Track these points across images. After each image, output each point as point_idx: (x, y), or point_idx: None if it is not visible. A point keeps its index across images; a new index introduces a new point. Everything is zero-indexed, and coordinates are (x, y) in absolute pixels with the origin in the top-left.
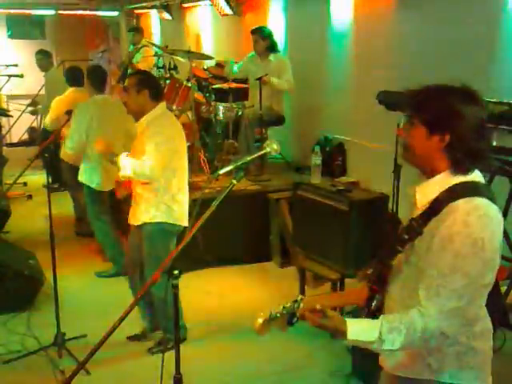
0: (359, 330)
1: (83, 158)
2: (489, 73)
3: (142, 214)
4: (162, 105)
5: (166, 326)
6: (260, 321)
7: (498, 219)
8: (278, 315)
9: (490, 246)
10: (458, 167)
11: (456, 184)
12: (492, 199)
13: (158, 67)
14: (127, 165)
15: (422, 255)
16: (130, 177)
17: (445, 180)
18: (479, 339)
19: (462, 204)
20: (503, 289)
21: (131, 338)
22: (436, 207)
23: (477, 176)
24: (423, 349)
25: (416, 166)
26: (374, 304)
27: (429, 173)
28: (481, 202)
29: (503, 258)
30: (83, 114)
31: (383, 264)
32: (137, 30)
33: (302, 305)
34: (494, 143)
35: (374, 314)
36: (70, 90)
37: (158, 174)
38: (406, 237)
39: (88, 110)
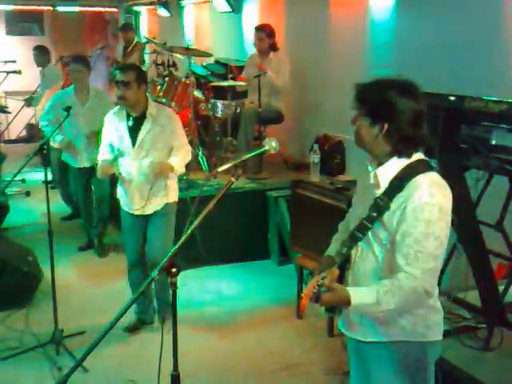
0: (360, 294)
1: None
2: (488, 71)
3: (164, 196)
4: (150, 96)
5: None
6: (305, 302)
7: (449, 189)
8: (315, 293)
9: (448, 211)
10: (399, 152)
11: (410, 163)
12: (439, 172)
13: (157, 64)
14: (180, 165)
15: (393, 229)
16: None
17: (398, 162)
18: (436, 299)
19: (422, 178)
20: (501, 288)
21: (128, 330)
22: (398, 185)
23: (422, 155)
24: (404, 310)
25: (365, 150)
26: (344, 282)
27: (377, 156)
28: (435, 175)
29: (502, 257)
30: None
31: (355, 241)
32: (127, 28)
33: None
34: (494, 142)
35: None
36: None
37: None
38: (375, 214)
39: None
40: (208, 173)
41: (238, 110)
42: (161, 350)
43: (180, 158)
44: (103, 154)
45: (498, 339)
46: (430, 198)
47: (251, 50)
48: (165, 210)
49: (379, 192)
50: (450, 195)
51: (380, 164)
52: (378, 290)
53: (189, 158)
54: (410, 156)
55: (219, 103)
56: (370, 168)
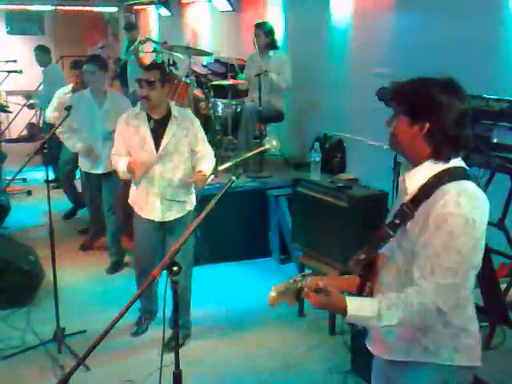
0: (359, 306)
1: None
2: (489, 69)
3: (185, 204)
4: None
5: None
6: (273, 294)
7: (485, 201)
8: (289, 289)
9: (479, 226)
10: (438, 154)
11: (444, 169)
12: (476, 182)
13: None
14: (208, 171)
15: (415, 239)
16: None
17: (432, 167)
18: (471, 321)
19: (452, 187)
20: (503, 286)
21: (134, 334)
22: (426, 191)
23: (461, 162)
24: (419, 327)
25: (401, 152)
26: (364, 292)
27: (412, 159)
28: (468, 184)
29: (504, 255)
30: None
31: (375, 249)
32: (131, 27)
33: (308, 280)
34: (495, 140)
35: None
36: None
37: None
38: (398, 221)
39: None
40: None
41: (239, 109)
42: (162, 350)
43: (211, 165)
44: (120, 156)
45: (500, 338)
46: (455, 209)
47: (251, 48)
48: (187, 217)
49: (406, 198)
50: (485, 209)
51: (413, 167)
52: (380, 302)
53: (214, 161)
54: (448, 160)
55: (219, 102)
56: (401, 172)
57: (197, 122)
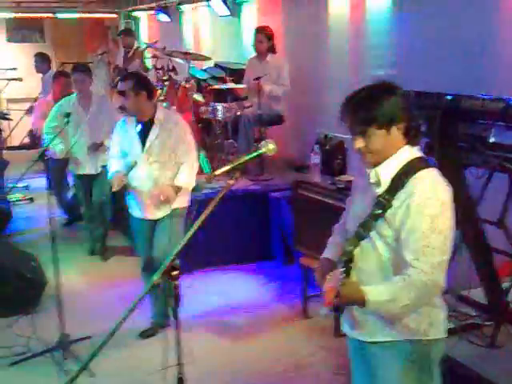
0: (374, 291)
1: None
2: (485, 70)
3: (174, 203)
4: (159, 103)
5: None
6: (331, 294)
7: (448, 184)
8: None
9: (451, 206)
10: (414, 140)
11: (411, 160)
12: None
13: (157, 69)
14: (188, 182)
15: (396, 226)
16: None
17: (400, 156)
18: (439, 297)
19: (424, 174)
20: (505, 285)
21: (143, 335)
22: (400, 181)
23: (420, 152)
24: (420, 306)
25: (383, 160)
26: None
27: (388, 157)
28: (435, 171)
29: (506, 254)
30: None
31: (360, 238)
32: (126, 33)
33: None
34: (492, 140)
35: None
36: None
37: None
38: (379, 211)
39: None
40: (208, 175)
41: (238, 113)
42: (165, 354)
43: (187, 173)
44: (115, 163)
45: (505, 336)
46: (432, 194)
47: (250, 53)
48: (176, 212)
49: (381, 190)
50: (450, 190)
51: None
52: (391, 286)
53: (196, 166)
54: (419, 142)
55: (219, 106)
56: (367, 168)
57: (181, 125)
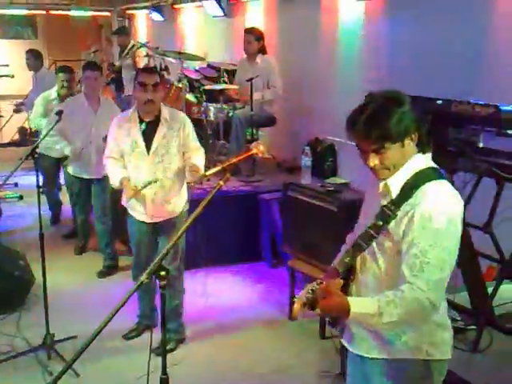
0: (360, 304)
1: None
2: (476, 75)
3: (176, 206)
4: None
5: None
6: (298, 306)
7: (459, 198)
8: (310, 296)
9: (459, 221)
10: (425, 147)
11: (421, 170)
12: (449, 181)
13: None
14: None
15: (399, 238)
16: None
17: (410, 165)
18: (445, 315)
19: (432, 186)
20: (490, 289)
21: (126, 336)
22: (406, 192)
23: (432, 162)
24: (410, 323)
25: (393, 171)
26: (348, 293)
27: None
28: (445, 183)
29: (491, 259)
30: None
31: (359, 250)
32: (122, 32)
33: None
34: (481, 145)
35: None
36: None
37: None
38: (381, 223)
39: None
40: (199, 176)
41: (231, 114)
42: (149, 353)
43: (202, 161)
44: (117, 165)
45: (488, 341)
46: (438, 207)
47: (243, 53)
48: (178, 219)
49: (387, 200)
50: (461, 205)
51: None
52: (379, 300)
53: (204, 160)
54: (429, 150)
55: (211, 107)
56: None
57: (188, 123)
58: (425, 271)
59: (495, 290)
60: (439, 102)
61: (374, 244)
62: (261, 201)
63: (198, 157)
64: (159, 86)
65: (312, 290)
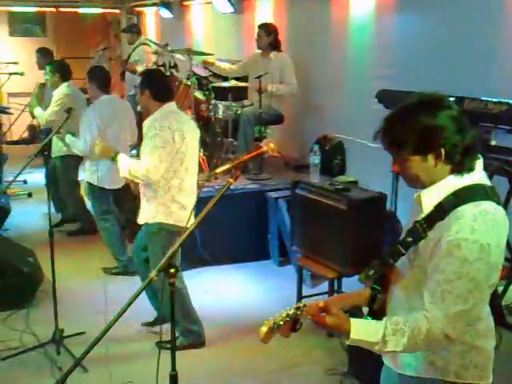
0: (363, 329)
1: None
2: (488, 72)
3: (144, 213)
4: (169, 105)
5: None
6: (264, 329)
7: (505, 222)
8: (282, 323)
9: (496, 251)
10: (461, 168)
11: (461, 188)
12: (498, 201)
13: (159, 66)
14: (124, 165)
15: (426, 260)
16: (126, 177)
17: (449, 183)
18: (482, 338)
19: (468, 209)
20: (500, 289)
21: (145, 324)
22: (441, 211)
23: (483, 178)
24: (426, 351)
25: (424, 186)
26: (375, 305)
27: (435, 183)
28: (487, 206)
29: None
30: (93, 113)
31: (386, 265)
32: (131, 30)
33: (304, 310)
34: (493, 143)
35: (375, 315)
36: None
37: (154, 176)
38: (410, 239)
39: (97, 109)
40: (208, 174)
41: (239, 111)
42: (159, 351)
43: (132, 164)
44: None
45: (497, 340)
46: (469, 234)
47: (253, 50)
48: (146, 228)
49: (421, 216)
50: (504, 230)
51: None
52: (386, 327)
53: (140, 172)
54: (473, 168)
55: (220, 104)
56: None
57: (154, 128)
58: (445, 301)
59: (505, 288)
60: (451, 99)
61: (405, 259)
62: (269, 199)
63: (135, 160)
64: (138, 88)
65: (287, 314)
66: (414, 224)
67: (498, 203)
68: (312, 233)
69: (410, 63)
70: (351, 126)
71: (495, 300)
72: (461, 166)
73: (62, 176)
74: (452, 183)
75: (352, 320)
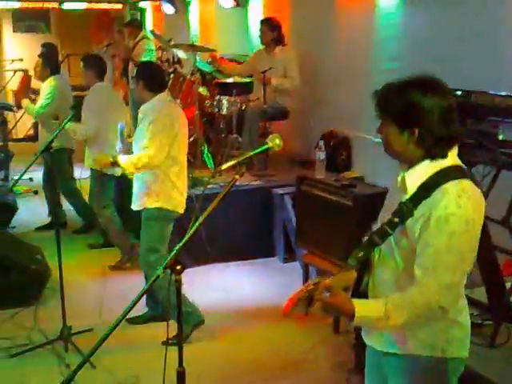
0: (366, 307)
1: (91, 142)
2: (496, 66)
3: (143, 198)
4: (161, 95)
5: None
6: (289, 303)
7: (481, 200)
8: (303, 299)
9: (478, 225)
10: (432, 155)
11: (443, 168)
12: (474, 181)
13: (162, 61)
14: (127, 163)
15: (415, 237)
16: (134, 173)
17: (430, 165)
18: (463, 313)
19: (451, 186)
20: (508, 285)
21: (131, 320)
22: (426, 190)
23: (458, 159)
24: (418, 324)
25: (397, 158)
26: (361, 286)
27: (409, 162)
28: (467, 183)
29: (509, 253)
30: (94, 99)
31: (374, 246)
32: (132, 24)
33: (320, 286)
34: (501, 137)
35: (359, 297)
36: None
37: (158, 161)
38: (397, 220)
39: (97, 95)
40: (212, 170)
41: (243, 107)
42: (166, 347)
43: (134, 157)
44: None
45: (505, 336)
46: (456, 209)
47: (257, 45)
48: (146, 214)
49: (406, 197)
50: (482, 207)
51: (410, 167)
52: (386, 303)
53: (144, 161)
54: (445, 156)
55: (224, 100)
56: (399, 172)
57: (151, 116)
58: (437, 274)
59: None
60: (458, 92)
61: (391, 240)
62: (274, 195)
63: (134, 155)
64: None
65: (307, 288)
66: (400, 205)
67: (473, 182)
68: (318, 229)
69: (416, 57)
70: (357, 122)
71: (503, 297)
72: (431, 153)
73: (56, 172)
74: (433, 165)
75: (354, 299)
